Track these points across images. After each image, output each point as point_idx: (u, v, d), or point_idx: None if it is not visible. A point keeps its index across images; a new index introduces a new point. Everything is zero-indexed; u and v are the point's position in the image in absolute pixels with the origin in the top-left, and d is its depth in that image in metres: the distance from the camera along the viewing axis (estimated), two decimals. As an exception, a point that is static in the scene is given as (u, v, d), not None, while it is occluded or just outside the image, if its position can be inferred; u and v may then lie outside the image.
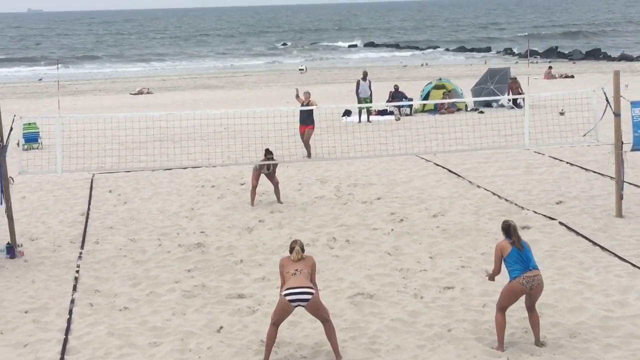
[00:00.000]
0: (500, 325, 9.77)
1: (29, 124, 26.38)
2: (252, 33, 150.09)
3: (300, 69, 22.50)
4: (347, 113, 32.43)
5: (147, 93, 50.40)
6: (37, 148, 26.21)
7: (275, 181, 18.01)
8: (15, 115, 14.57)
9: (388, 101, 33.27)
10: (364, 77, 31.15)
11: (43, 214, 17.76)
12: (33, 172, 18.20)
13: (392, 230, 15.26)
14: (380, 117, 31.71)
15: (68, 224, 16.76)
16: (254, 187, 17.85)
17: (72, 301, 12.02)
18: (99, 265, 13.78)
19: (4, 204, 14.56)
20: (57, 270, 13.60)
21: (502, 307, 9.78)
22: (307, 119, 22.65)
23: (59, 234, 15.98)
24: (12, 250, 14.37)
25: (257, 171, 17.78)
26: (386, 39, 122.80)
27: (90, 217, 17.28)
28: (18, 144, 21.12)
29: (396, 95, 33.67)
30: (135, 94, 50.34)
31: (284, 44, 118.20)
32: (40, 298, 12.25)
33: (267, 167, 17.70)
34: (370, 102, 30.57)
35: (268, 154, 17.57)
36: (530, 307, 9.83)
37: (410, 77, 56.11)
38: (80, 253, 14.53)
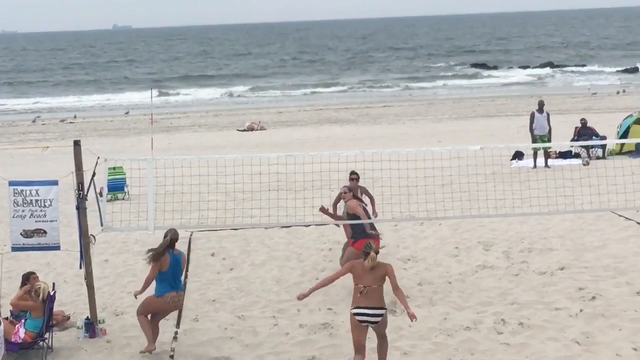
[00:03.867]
0: None
1: (114, 168, 27.14)
2: (381, 49, 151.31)
3: None
4: (518, 155, 32.08)
5: (260, 129, 51.49)
6: (124, 198, 27.04)
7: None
8: (99, 158, 15.07)
9: (573, 140, 32.74)
10: (540, 109, 30.80)
11: (130, 282, 18.25)
12: (118, 228, 18.75)
13: (581, 311, 14.93)
14: (562, 161, 31.20)
15: (160, 296, 17.13)
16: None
17: (166, 395, 12.24)
18: (199, 350, 14.02)
19: (83, 269, 15.04)
20: (147, 354, 13.90)
21: None
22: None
23: (150, 307, 16.35)
24: (92, 327, 14.79)
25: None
26: (566, 56, 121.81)
27: (188, 287, 17.63)
28: (101, 194, 21.82)
29: (584, 132, 33.08)
30: (245, 130, 51.53)
31: (427, 67, 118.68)
32: (125, 389, 12.54)
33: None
34: (549, 140, 30.13)
35: (353, 174, 17.76)
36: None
37: (602, 109, 55.17)
38: (176, 333, 14.84)
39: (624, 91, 71.66)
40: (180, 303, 14.34)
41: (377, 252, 12.30)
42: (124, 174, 27.54)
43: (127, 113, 69.65)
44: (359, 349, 12.11)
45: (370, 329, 12.27)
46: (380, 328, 12.33)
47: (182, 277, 14.82)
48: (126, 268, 19.36)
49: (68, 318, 15.34)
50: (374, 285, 12.16)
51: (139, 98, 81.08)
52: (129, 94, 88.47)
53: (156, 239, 21.41)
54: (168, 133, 51.77)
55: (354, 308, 12.16)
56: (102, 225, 15.36)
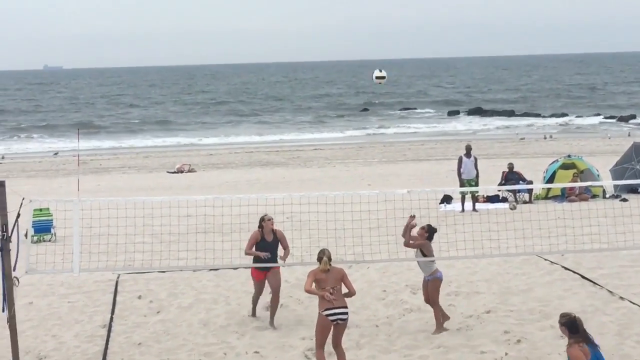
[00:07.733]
0: None
1: (41, 209, 26.97)
2: (310, 98, 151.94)
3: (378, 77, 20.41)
4: (447, 199, 32.30)
5: (189, 171, 51.34)
6: (50, 240, 26.73)
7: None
8: (23, 199, 14.91)
9: (500, 184, 33.09)
10: (468, 153, 31.10)
11: (54, 325, 17.99)
12: (43, 271, 18.50)
13: (506, 354, 15.01)
14: (490, 205, 31.47)
15: (85, 339, 16.93)
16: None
17: None
18: (124, 394, 13.84)
19: (6, 312, 14.79)
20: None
21: None
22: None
23: (74, 351, 16.16)
24: (14, 371, 14.54)
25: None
26: (493, 104, 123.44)
27: (114, 330, 17.44)
28: (26, 235, 21.54)
29: (511, 176, 33.48)
30: (174, 172, 51.29)
31: (366, 109, 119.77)
32: None
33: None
34: (477, 185, 30.40)
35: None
36: None
37: (529, 154, 55.88)
38: (100, 377, 14.63)
39: (551, 137, 72.79)
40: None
41: (329, 258, 13.88)
42: (51, 215, 27.31)
43: (56, 154, 68.97)
44: (323, 345, 13.84)
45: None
46: (342, 328, 13.97)
47: None
48: (51, 311, 19.08)
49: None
50: (338, 285, 13.82)
51: (69, 141, 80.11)
52: (57, 138, 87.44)
53: (82, 282, 21.21)
54: (97, 174, 51.33)
55: (324, 310, 13.69)
56: (14, 270, 15.00)
